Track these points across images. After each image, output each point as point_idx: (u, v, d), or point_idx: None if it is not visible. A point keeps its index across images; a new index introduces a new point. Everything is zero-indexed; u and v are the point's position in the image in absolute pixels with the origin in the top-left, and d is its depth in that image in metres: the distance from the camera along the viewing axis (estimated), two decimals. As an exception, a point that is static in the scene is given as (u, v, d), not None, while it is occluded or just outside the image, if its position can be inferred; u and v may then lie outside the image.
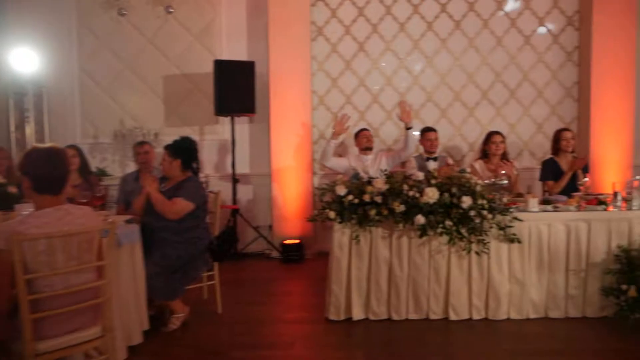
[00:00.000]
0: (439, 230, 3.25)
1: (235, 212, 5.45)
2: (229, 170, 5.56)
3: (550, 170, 4.53)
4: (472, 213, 3.24)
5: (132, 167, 4.72)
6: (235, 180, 5.49)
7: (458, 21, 5.64)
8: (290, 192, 5.47)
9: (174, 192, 3.35)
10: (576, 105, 5.70)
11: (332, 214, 3.34)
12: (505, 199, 3.40)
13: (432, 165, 4.73)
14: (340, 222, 3.37)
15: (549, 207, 3.52)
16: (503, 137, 4.60)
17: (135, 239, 3.07)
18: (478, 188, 3.32)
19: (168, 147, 3.42)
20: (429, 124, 5.37)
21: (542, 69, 5.66)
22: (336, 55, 5.69)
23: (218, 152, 5.84)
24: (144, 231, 3.24)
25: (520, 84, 5.67)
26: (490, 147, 4.55)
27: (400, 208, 3.25)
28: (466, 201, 3.22)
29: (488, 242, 3.28)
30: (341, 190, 3.35)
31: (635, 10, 5.36)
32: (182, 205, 3.28)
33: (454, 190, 3.29)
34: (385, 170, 3.63)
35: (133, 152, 4.36)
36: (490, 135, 4.59)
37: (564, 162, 4.54)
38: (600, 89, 5.41)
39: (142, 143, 4.34)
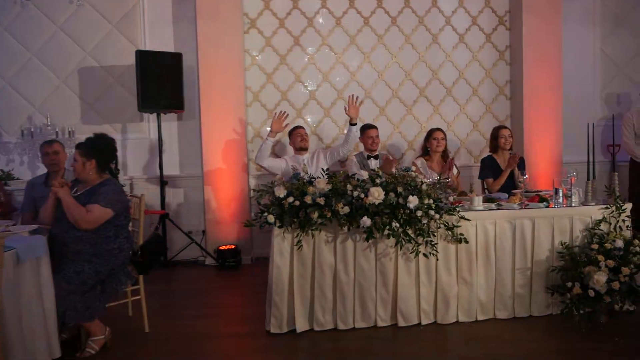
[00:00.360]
0: (386, 232, 3.06)
1: (164, 217, 5.01)
2: (157, 172, 5.11)
3: (489, 168, 4.52)
4: (419, 213, 3.08)
5: (44, 170, 4.17)
6: (163, 182, 5.05)
7: (394, 17, 5.54)
8: (224, 195, 5.11)
9: (88, 197, 2.91)
10: (509, 104, 5.80)
11: (271, 218, 3.05)
12: (451, 198, 3.28)
13: (373, 163, 4.57)
14: (280, 227, 3.10)
15: (493, 205, 3.45)
16: (444, 133, 4.54)
17: (41, 252, 2.63)
18: (424, 187, 3.17)
19: (80, 146, 2.97)
20: (368, 122, 5.22)
21: (476, 67, 5.70)
22: (270, 49, 5.40)
23: (144, 152, 5.36)
24: (53, 243, 2.81)
25: (457, 81, 5.67)
26: (431, 143, 4.47)
27: (344, 210, 3.03)
28: (412, 201, 3.06)
29: (436, 244, 3.14)
30: (280, 192, 3.07)
31: (561, 11, 5.52)
32: (99, 213, 2.86)
33: (399, 189, 3.12)
34: (327, 169, 3.40)
35: (40, 153, 3.83)
36: (432, 131, 4.51)
37: (502, 159, 4.55)
38: (531, 87, 5.52)
39: (50, 142, 3.82)
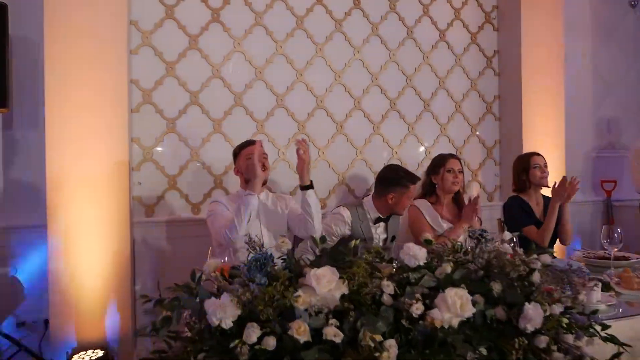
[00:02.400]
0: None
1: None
2: (-47, 220, 2.80)
3: (524, 213, 2.97)
4: (543, 342, 1.33)
5: None
6: (-36, 240, 2.75)
7: (357, -3, 3.91)
8: (87, 258, 2.92)
9: None
10: (497, 125, 4.41)
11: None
12: (582, 298, 1.58)
13: (381, 229, 2.71)
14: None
15: (614, 301, 1.83)
16: (461, 163, 2.90)
17: None
18: (536, 277, 1.44)
19: None
20: (320, 141, 3.46)
21: (459, 74, 4.24)
22: (174, 25, 3.42)
23: None
24: None
25: (436, 92, 4.16)
26: (445, 178, 2.80)
27: (389, 353, 1.18)
28: (534, 316, 1.31)
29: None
30: (225, 312, 1.13)
31: (562, 10, 4.32)
32: None
33: (496, 288, 1.35)
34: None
35: None
36: (445, 159, 2.83)
37: (534, 201, 3.04)
38: (528, 106, 4.20)
39: None
